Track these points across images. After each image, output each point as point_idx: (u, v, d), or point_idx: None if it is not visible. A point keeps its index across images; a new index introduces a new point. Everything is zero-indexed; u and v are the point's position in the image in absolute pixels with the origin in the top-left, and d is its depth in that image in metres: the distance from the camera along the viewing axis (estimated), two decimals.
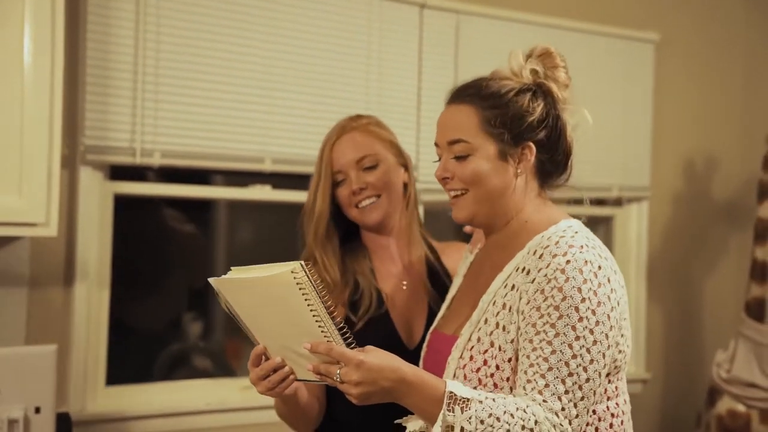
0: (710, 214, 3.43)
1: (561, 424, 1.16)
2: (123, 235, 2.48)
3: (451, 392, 1.16)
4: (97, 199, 2.33)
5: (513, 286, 1.27)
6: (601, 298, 1.22)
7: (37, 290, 2.24)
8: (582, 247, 1.24)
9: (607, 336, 1.21)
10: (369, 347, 1.20)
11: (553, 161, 1.36)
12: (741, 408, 2.75)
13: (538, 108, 1.34)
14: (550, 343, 1.19)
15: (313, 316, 1.19)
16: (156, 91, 2.34)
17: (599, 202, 3.23)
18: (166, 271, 2.86)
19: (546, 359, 1.18)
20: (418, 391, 1.17)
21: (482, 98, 1.35)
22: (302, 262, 1.17)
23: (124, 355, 2.53)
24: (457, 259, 1.76)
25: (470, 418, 1.14)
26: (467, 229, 1.63)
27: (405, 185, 1.71)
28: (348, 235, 1.70)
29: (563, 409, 1.17)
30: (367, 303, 1.61)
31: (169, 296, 2.85)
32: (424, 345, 1.47)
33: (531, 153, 1.33)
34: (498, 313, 1.27)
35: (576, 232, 1.28)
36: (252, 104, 2.48)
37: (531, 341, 1.20)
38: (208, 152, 2.43)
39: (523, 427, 1.14)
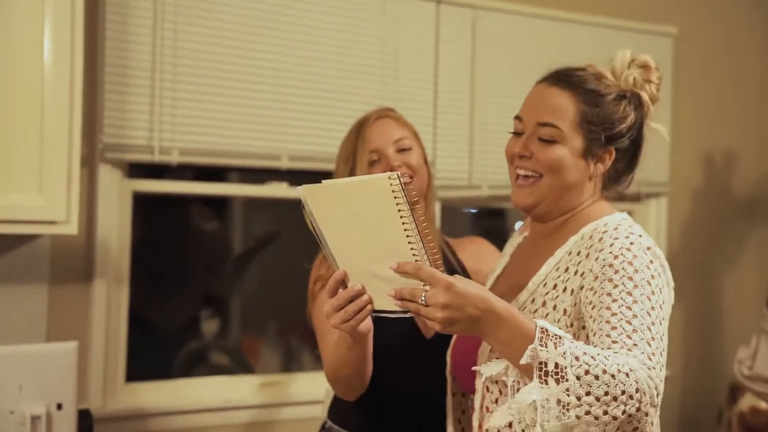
0: (729, 209, 3.40)
1: (656, 377, 1.10)
2: (142, 232, 2.50)
3: (543, 328, 1.09)
4: (116, 196, 2.35)
5: (567, 269, 1.27)
6: (665, 284, 1.24)
7: (57, 287, 2.26)
8: (641, 235, 1.26)
9: (665, 334, 1.19)
10: (458, 276, 1.13)
11: (625, 171, 1.38)
12: (763, 405, 2.72)
13: (630, 117, 1.35)
14: (630, 308, 1.15)
15: (405, 230, 1.13)
16: (174, 90, 2.35)
17: (618, 198, 3.20)
18: (185, 269, 2.88)
19: (629, 322, 1.13)
20: (507, 324, 1.10)
21: (585, 91, 1.33)
22: (399, 173, 1.12)
23: (143, 352, 2.54)
24: (472, 255, 1.77)
25: (564, 353, 1.06)
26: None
27: (428, 182, 1.73)
28: None
29: (653, 368, 1.11)
30: None
31: (187, 293, 2.87)
32: None
33: (610, 158, 1.34)
34: (548, 293, 1.27)
35: (632, 225, 1.29)
36: (268, 102, 2.49)
37: (609, 308, 1.15)
38: (226, 150, 2.43)
39: (619, 371, 1.06)
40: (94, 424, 2.14)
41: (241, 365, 2.89)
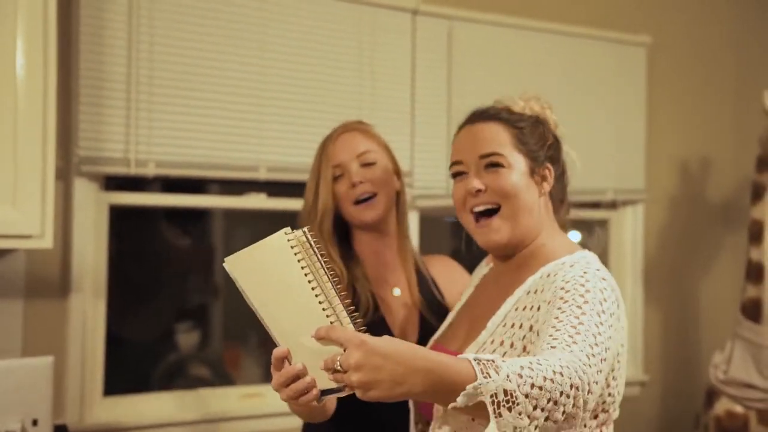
0: (705, 216, 3.44)
1: (590, 365, 1.08)
2: (119, 245, 2.48)
3: (476, 359, 1.01)
4: (92, 210, 2.33)
5: (524, 307, 1.28)
6: (616, 313, 1.23)
7: (33, 302, 2.24)
8: (598, 270, 1.28)
9: (609, 348, 1.17)
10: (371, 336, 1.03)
11: (560, 189, 1.44)
12: (739, 409, 2.75)
13: (550, 137, 1.43)
14: (577, 316, 1.15)
15: (312, 288, 1.06)
16: (150, 102, 2.34)
17: (594, 205, 3.23)
18: (163, 281, 2.86)
19: (574, 326, 1.13)
20: (437, 373, 1.00)
21: (509, 119, 1.41)
22: (298, 229, 1.06)
23: (121, 366, 2.52)
24: (443, 272, 1.78)
25: (508, 376, 1.00)
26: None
27: (398, 194, 1.71)
28: (340, 243, 1.70)
29: (589, 364, 1.09)
30: (365, 308, 1.60)
31: (166, 306, 2.85)
32: None
33: (550, 175, 1.40)
34: (506, 332, 1.28)
35: (589, 262, 1.30)
36: (245, 113, 2.49)
37: (557, 317, 1.16)
38: (203, 161, 2.43)
39: (554, 372, 1.03)
40: None
41: (221, 377, 2.88)
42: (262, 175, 2.51)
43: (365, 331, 1.05)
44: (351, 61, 2.65)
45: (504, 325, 1.29)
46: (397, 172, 1.72)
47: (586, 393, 1.06)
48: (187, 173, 2.42)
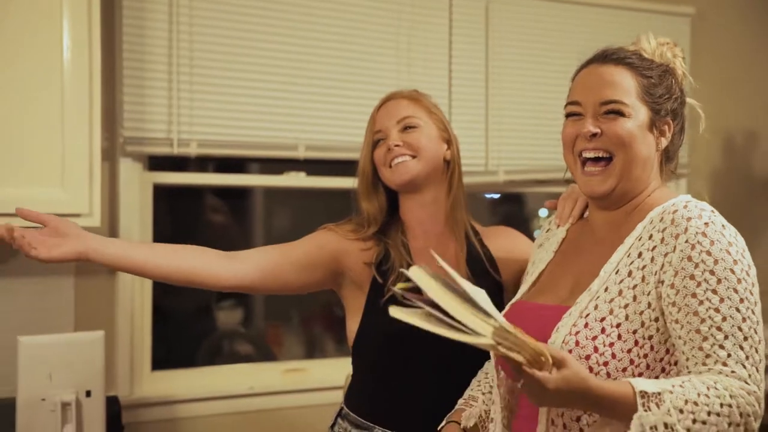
0: (749, 190, 3.37)
1: (755, 392, 1.11)
2: (163, 223, 2.54)
3: (642, 391, 1.08)
4: (137, 189, 2.39)
5: (640, 254, 1.24)
6: (749, 260, 1.21)
7: (83, 279, 2.31)
8: (713, 211, 1.24)
9: (761, 341, 1.18)
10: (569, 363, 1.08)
11: (675, 146, 1.36)
12: None
13: (676, 89, 1.35)
14: (717, 310, 1.14)
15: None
16: (191, 82, 2.39)
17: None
18: None
19: (719, 328, 1.13)
20: (605, 401, 1.10)
21: (638, 65, 1.32)
22: (502, 326, 1.04)
23: (168, 341, 2.59)
24: (504, 245, 1.71)
25: (669, 411, 1.07)
26: (548, 204, 1.59)
27: (448, 163, 1.67)
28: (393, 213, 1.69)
29: (750, 375, 1.12)
30: (396, 276, 1.58)
31: None
32: (503, 315, 1.37)
33: (670, 131, 1.33)
34: (622, 281, 1.24)
35: (698, 202, 1.26)
36: (285, 92, 2.51)
37: (696, 313, 1.15)
38: (243, 141, 2.47)
39: (722, 405, 1.08)
40: (122, 411, 2.20)
41: (264, 353, 2.94)
42: (301, 153, 2.54)
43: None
44: (389, 39, 2.65)
45: (617, 273, 1.25)
46: (448, 141, 1.68)
47: (757, 409, 1.11)
48: (227, 153, 2.46)
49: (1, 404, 1.98)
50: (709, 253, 1.17)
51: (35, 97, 1.96)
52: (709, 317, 1.14)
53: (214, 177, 2.61)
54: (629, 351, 1.19)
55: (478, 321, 1.04)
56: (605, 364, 1.18)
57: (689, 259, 1.18)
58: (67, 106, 1.98)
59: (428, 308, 1.06)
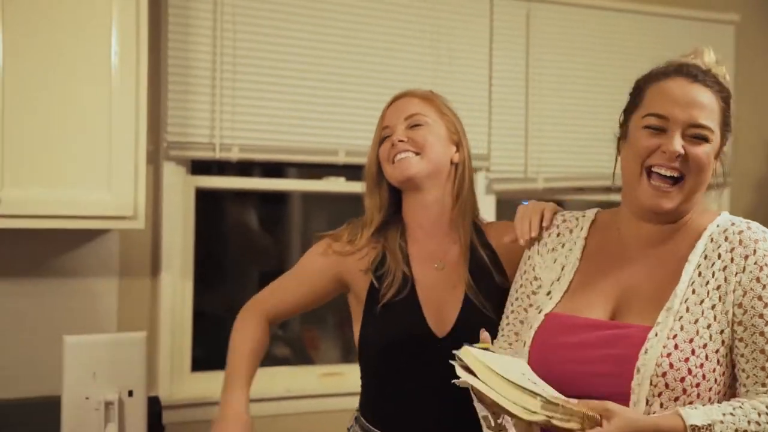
0: None
1: None
2: (204, 226, 2.58)
3: (694, 426, 1.13)
4: (180, 192, 2.43)
5: (713, 274, 1.26)
6: None
7: (126, 280, 2.36)
8: None
9: None
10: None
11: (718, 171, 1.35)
12: None
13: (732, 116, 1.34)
14: None
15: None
16: (233, 88, 2.42)
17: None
18: (246, 262, 2.95)
19: None
20: None
21: (721, 90, 1.31)
22: (548, 400, 1.11)
23: (208, 343, 2.62)
24: (507, 239, 1.61)
25: None
26: None
27: (456, 166, 1.64)
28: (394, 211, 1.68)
29: None
30: (389, 281, 1.57)
31: (248, 286, 2.94)
32: (537, 327, 1.35)
33: (722, 153, 1.33)
34: (702, 301, 1.25)
35: (759, 227, 1.30)
36: (325, 98, 2.54)
37: (763, 333, 1.20)
38: (284, 146, 2.49)
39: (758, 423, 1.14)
40: (163, 411, 2.23)
41: (301, 357, 2.95)
42: (341, 159, 2.56)
43: None
44: (429, 45, 2.66)
45: (693, 292, 1.26)
46: (457, 143, 1.65)
47: None
48: (268, 157, 2.49)
49: (48, 402, 2.02)
50: None
51: (83, 100, 2.01)
52: None
53: (255, 181, 2.64)
54: (713, 371, 1.22)
55: (527, 398, 1.12)
56: (697, 385, 1.20)
57: (758, 280, 1.22)
58: (114, 109, 2.03)
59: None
